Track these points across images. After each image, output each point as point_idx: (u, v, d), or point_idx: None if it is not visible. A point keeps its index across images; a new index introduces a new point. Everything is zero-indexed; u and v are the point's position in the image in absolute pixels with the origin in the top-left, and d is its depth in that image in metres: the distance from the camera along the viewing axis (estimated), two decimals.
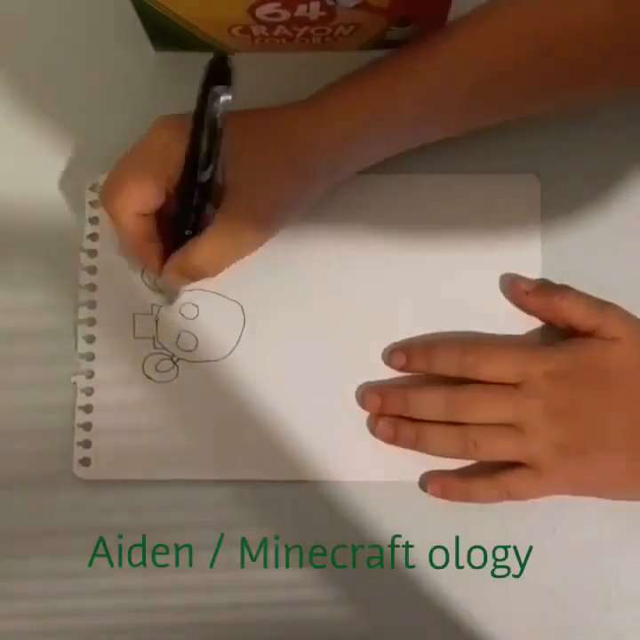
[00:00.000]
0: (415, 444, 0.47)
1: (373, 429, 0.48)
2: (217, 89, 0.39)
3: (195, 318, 0.49)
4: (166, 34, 0.48)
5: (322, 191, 0.47)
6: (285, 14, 0.45)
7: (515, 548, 0.48)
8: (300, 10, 0.44)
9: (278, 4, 0.44)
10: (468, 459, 0.47)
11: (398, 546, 0.48)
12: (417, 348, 0.48)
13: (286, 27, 0.46)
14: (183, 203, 0.43)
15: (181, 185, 0.43)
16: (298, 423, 0.49)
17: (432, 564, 0.48)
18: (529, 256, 0.49)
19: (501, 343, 0.48)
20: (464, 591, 0.48)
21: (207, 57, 0.39)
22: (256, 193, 0.44)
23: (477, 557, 0.48)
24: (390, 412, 0.48)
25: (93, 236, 0.50)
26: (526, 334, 0.49)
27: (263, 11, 0.44)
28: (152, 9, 0.44)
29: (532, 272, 0.49)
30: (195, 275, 0.45)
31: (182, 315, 0.49)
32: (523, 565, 0.48)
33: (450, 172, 0.50)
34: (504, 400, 0.46)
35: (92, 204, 0.50)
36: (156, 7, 0.44)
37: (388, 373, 0.49)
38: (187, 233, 0.44)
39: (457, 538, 0.48)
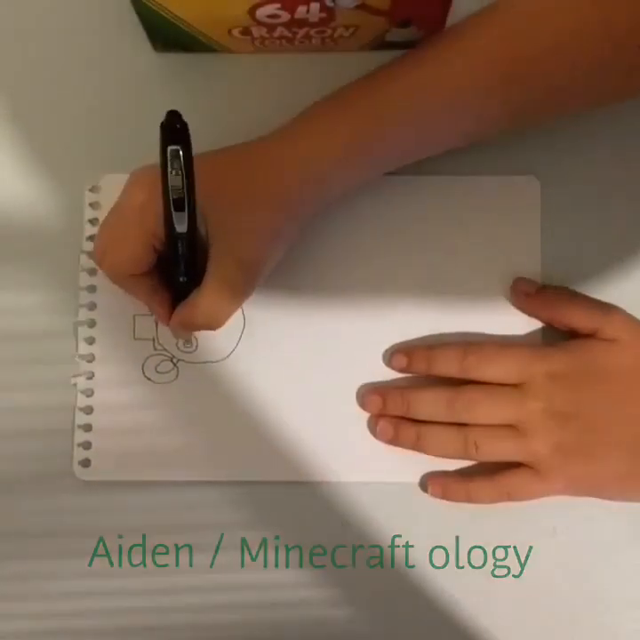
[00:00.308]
0: (416, 445, 0.47)
1: (374, 430, 0.48)
2: (172, 148, 0.38)
3: None
4: (167, 35, 0.48)
5: (310, 219, 0.46)
6: (285, 16, 0.45)
7: (515, 548, 0.48)
8: (300, 11, 0.44)
9: (278, 6, 0.44)
10: (468, 459, 0.47)
11: (398, 546, 0.48)
12: (418, 349, 0.48)
13: (286, 28, 0.46)
14: (171, 254, 0.43)
15: (165, 238, 0.43)
16: (297, 424, 0.49)
17: (432, 564, 0.48)
18: (529, 257, 0.49)
19: (502, 344, 0.48)
20: (464, 591, 0.48)
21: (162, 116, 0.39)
22: (241, 240, 0.44)
23: (477, 557, 0.48)
24: (391, 412, 0.48)
25: (93, 238, 0.50)
26: (527, 335, 0.49)
27: (263, 12, 0.44)
28: (152, 10, 0.44)
29: (532, 273, 0.49)
30: (200, 329, 0.46)
31: None
32: (523, 565, 0.48)
33: (449, 174, 0.50)
34: (505, 401, 0.46)
35: (92, 205, 0.50)
36: (157, 9, 0.44)
37: (388, 375, 0.49)
38: (181, 279, 0.45)
39: (457, 538, 0.48)
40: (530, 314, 0.49)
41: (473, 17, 0.45)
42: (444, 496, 0.47)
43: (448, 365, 0.47)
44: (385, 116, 0.44)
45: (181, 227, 0.41)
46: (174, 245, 0.42)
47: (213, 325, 0.45)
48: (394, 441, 0.48)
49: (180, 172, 0.38)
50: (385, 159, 0.46)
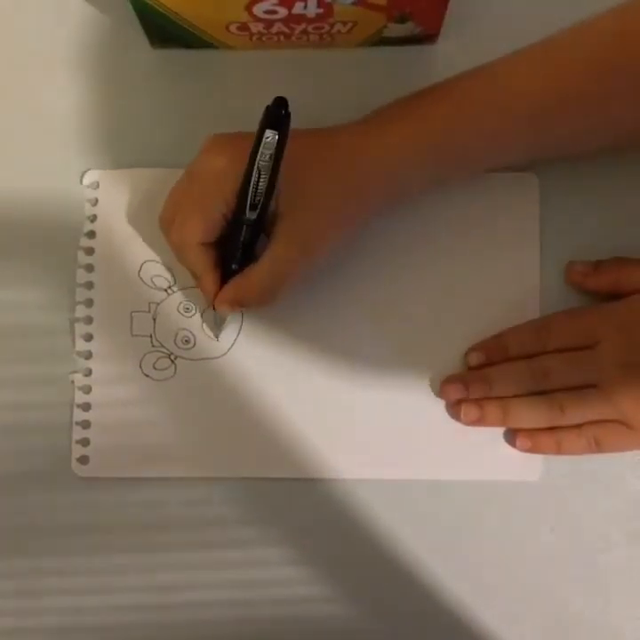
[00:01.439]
0: (503, 420, 0.47)
1: (456, 415, 0.48)
2: (269, 134, 0.39)
3: (192, 316, 0.49)
4: (164, 31, 0.48)
5: (376, 214, 0.46)
6: (283, 11, 0.45)
7: (514, 547, 0.48)
8: (298, 7, 0.44)
9: (276, 1, 0.43)
10: (557, 425, 0.47)
11: (398, 543, 0.48)
12: (491, 341, 0.49)
13: (284, 24, 0.46)
14: (232, 237, 0.44)
15: (234, 216, 0.43)
16: (296, 420, 0.49)
17: (432, 563, 0.48)
18: (528, 254, 0.49)
19: (567, 311, 0.48)
20: (464, 589, 0.48)
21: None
22: (308, 221, 0.44)
23: (477, 557, 0.48)
24: (474, 395, 0.48)
25: (91, 234, 0.50)
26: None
27: (261, 8, 0.44)
28: (149, 6, 0.44)
29: (531, 270, 0.49)
30: (250, 306, 0.46)
31: (180, 313, 0.49)
32: (522, 565, 0.48)
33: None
34: (582, 362, 0.46)
35: (90, 201, 0.50)
36: (154, 5, 0.44)
37: (386, 369, 0.49)
38: (234, 267, 0.45)
39: (457, 538, 0.48)
40: (593, 290, 0.49)
41: (560, 32, 0.44)
42: (534, 448, 0.47)
43: (523, 346, 0.48)
44: (456, 126, 0.44)
45: (253, 214, 0.42)
46: (239, 231, 0.43)
47: (265, 301, 0.45)
48: (480, 421, 0.48)
49: (270, 159, 0.39)
50: (453, 165, 0.46)
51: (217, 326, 0.49)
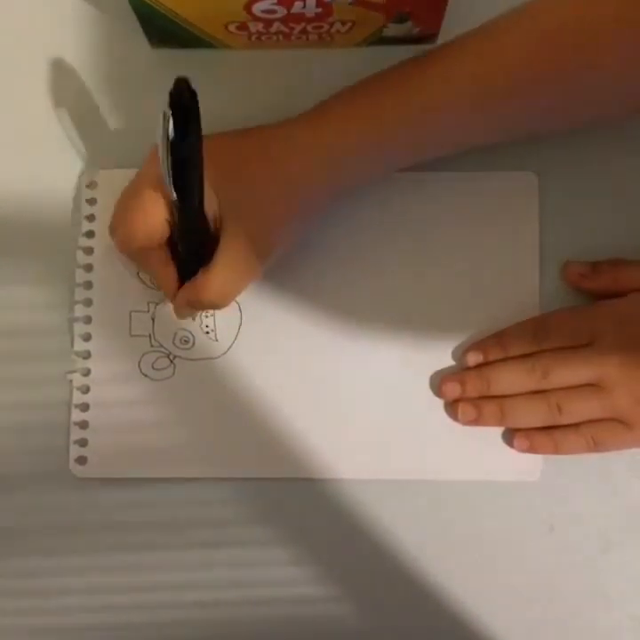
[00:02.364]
0: (501, 420, 0.47)
1: (453, 415, 0.48)
2: (178, 114, 0.36)
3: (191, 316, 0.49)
4: (163, 31, 0.48)
5: (324, 206, 0.46)
6: (282, 11, 0.45)
7: (513, 548, 0.48)
8: (297, 6, 0.44)
9: (274, 1, 0.43)
10: (555, 424, 0.47)
11: (399, 543, 0.48)
12: (489, 341, 0.48)
13: (283, 23, 0.46)
14: (178, 229, 0.43)
15: (172, 211, 0.42)
16: (296, 420, 0.48)
17: (431, 563, 0.48)
18: (527, 253, 0.49)
19: (567, 309, 0.48)
20: (464, 588, 0.48)
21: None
22: (255, 220, 0.44)
23: (477, 557, 0.48)
24: (471, 394, 0.48)
25: (90, 234, 0.50)
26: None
27: (260, 7, 0.44)
28: (148, 6, 0.44)
29: (531, 269, 0.49)
30: (205, 308, 0.46)
31: None
32: (522, 564, 0.48)
33: (447, 170, 0.50)
34: (580, 361, 0.46)
35: (89, 201, 0.50)
36: (153, 4, 0.44)
37: (385, 368, 0.49)
38: (185, 255, 0.44)
39: (457, 538, 0.48)
40: (591, 291, 0.49)
41: (503, 17, 0.43)
42: (531, 448, 0.47)
43: (522, 345, 0.47)
44: (402, 110, 0.44)
45: (185, 199, 0.40)
46: (181, 219, 0.42)
47: (219, 304, 0.45)
48: (477, 420, 0.48)
49: (186, 144, 0.37)
50: (401, 153, 0.46)
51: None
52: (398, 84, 0.44)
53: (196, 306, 0.46)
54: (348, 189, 0.47)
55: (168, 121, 0.36)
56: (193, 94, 0.36)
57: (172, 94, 0.36)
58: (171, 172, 0.38)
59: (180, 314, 0.48)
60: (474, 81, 0.43)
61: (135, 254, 0.46)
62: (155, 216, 0.43)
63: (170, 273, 0.45)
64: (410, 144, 0.45)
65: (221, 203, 0.43)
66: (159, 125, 0.36)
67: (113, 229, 0.46)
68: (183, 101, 0.36)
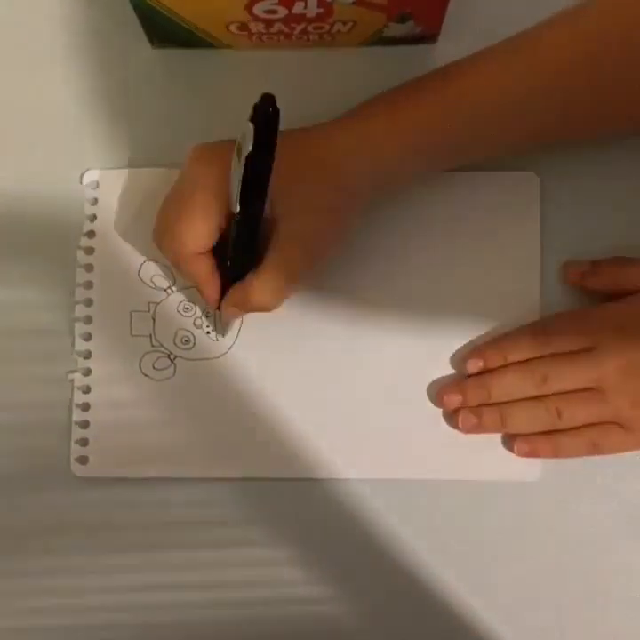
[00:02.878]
0: (501, 426, 0.47)
1: (454, 424, 0.48)
2: (261, 132, 0.37)
3: (192, 316, 0.49)
4: (163, 30, 0.48)
5: (371, 206, 0.46)
6: (283, 11, 0.45)
7: (513, 548, 0.48)
8: (298, 7, 0.44)
9: (275, 1, 0.43)
10: (554, 428, 0.47)
11: (400, 543, 0.48)
12: (488, 347, 0.48)
13: (284, 24, 0.46)
14: (234, 236, 0.43)
15: (234, 220, 0.42)
16: (296, 420, 0.48)
17: (432, 563, 0.48)
18: (529, 253, 0.49)
19: (566, 313, 0.48)
20: (464, 590, 0.48)
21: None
22: (304, 223, 0.44)
23: (477, 557, 0.48)
24: (472, 402, 0.48)
25: (90, 234, 0.50)
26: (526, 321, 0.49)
27: (261, 8, 0.44)
28: (149, 6, 0.44)
29: (532, 269, 0.49)
30: (254, 310, 0.46)
31: (179, 312, 0.49)
32: (522, 565, 0.48)
33: (449, 170, 0.49)
34: (579, 365, 0.46)
35: (90, 201, 0.50)
36: (154, 4, 0.44)
37: (386, 367, 0.49)
38: (240, 262, 0.44)
39: (457, 537, 0.48)
40: (590, 289, 0.49)
41: (548, 19, 0.44)
42: (531, 453, 0.47)
43: (522, 351, 0.47)
44: (449, 110, 0.44)
45: (250, 211, 0.41)
46: (243, 227, 0.42)
47: (268, 306, 0.45)
48: (478, 428, 0.48)
49: (263, 157, 0.38)
50: (446, 153, 0.46)
51: (222, 326, 0.49)
52: (441, 85, 0.44)
53: (245, 309, 0.46)
54: (391, 190, 0.47)
55: (249, 134, 0.36)
56: (276, 112, 0.37)
57: (256, 108, 0.36)
58: (241, 185, 0.38)
59: (227, 317, 0.48)
60: (518, 81, 0.43)
61: (181, 261, 0.45)
62: (206, 224, 0.43)
63: (215, 280, 0.46)
64: (453, 145, 0.45)
65: (273, 204, 0.43)
66: (239, 138, 0.37)
67: (158, 234, 0.46)
68: (267, 117, 0.36)
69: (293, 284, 0.45)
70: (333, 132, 0.45)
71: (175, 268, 0.47)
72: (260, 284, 0.44)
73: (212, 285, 0.46)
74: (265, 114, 0.36)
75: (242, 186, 0.39)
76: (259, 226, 0.43)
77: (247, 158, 0.37)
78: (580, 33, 0.43)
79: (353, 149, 0.44)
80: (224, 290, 0.46)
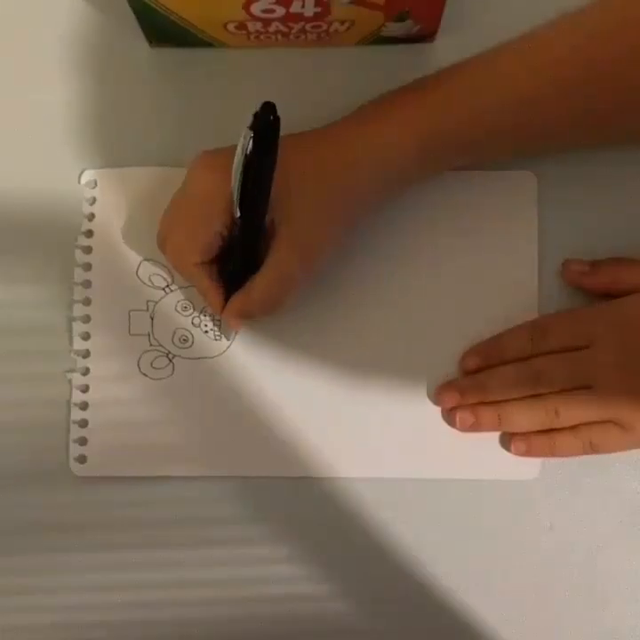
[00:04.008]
0: (499, 425, 0.47)
1: (451, 422, 0.48)
2: (263, 140, 0.37)
3: (190, 315, 0.49)
4: (161, 30, 0.48)
5: (377, 209, 0.46)
6: (280, 10, 0.45)
7: (512, 546, 0.48)
8: (296, 6, 0.44)
9: (273, 0, 0.43)
10: (552, 427, 0.47)
11: (399, 541, 0.48)
12: (486, 345, 0.48)
13: (282, 23, 0.46)
14: (237, 242, 0.43)
15: (236, 227, 0.43)
16: (295, 419, 0.49)
17: (431, 562, 0.48)
18: (526, 253, 0.49)
19: (562, 312, 0.48)
20: (462, 588, 0.48)
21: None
22: (305, 227, 0.44)
23: (476, 555, 0.48)
24: (468, 401, 0.48)
25: (88, 233, 0.50)
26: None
27: (258, 7, 0.44)
28: (148, 5, 0.44)
29: (530, 268, 0.49)
30: (256, 316, 0.46)
31: (178, 311, 0.49)
32: (521, 563, 0.48)
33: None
34: (575, 363, 0.46)
35: (89, 200, 0.50)
36: (152, 3, 0.44)
37: (384, 366, 0.49)
38: (243, 268, 0.44)
39: (456, 536, 0.48)
40: (588, 289, 0.49)
41: (562, 16, 0.44)
42: (529, 452, 0.47)
43: (519, 350, 0.47)
44: (460, 107, 0.44)
45: (252, 217, 0.41)
46: (246, 234, 0.42)
47: (271, 310, 0.45)
48: (475, 427, 0.48)
49: (263, 165, 0.38)
50: (456, 152, 0.46)
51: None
52: (444, 85, 0.44)
53: (245, 315, 0.46)
54: (399, 193, 0.47)
55: (248, 141, 0.36)
56: (276, 120, 0.37)
57: (256, 117, 0.37)
58: (241, 190, 0.38)
59: (231, 324, 0.48)
60: (524, 81, 0.43)
61: (182, 270, 0.45)
62: (207, 235, 0.43)
63: (217, 288, 0.45)
64: (460, 145, 0.45)
65: (274, 208, 0.42)
66: (240, 145, 0.37)
67: (163, 241, 0.46)
68: (266, 126, 0.36)
69: (293, 290, 0.45)
70: (338, 134, 0.45)
71: (178, 274, 0.47)
72: (258, 291, 0.44)
73: (214, 293, 0.46)
74: (265, 122, 0.37)
75: (242, 193, 0.39)
76: (260, 232, 0.43)
77: (247, 166, 0.38)
78: (582, 34, 0.43)
79: (358, 151, 0.44)
80: (229, 295, 0.46)
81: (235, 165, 0.38)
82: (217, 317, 0.49)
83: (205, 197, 0.43)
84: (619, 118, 0.45)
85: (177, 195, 0.45)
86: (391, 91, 0.45)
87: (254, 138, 0.36)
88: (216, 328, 0.49)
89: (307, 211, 0.44)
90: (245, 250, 0.44)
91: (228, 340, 0.49)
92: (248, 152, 0.37)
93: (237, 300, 0.45)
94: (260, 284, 0.44)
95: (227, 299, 0.46)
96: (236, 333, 0.49)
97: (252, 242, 0.43)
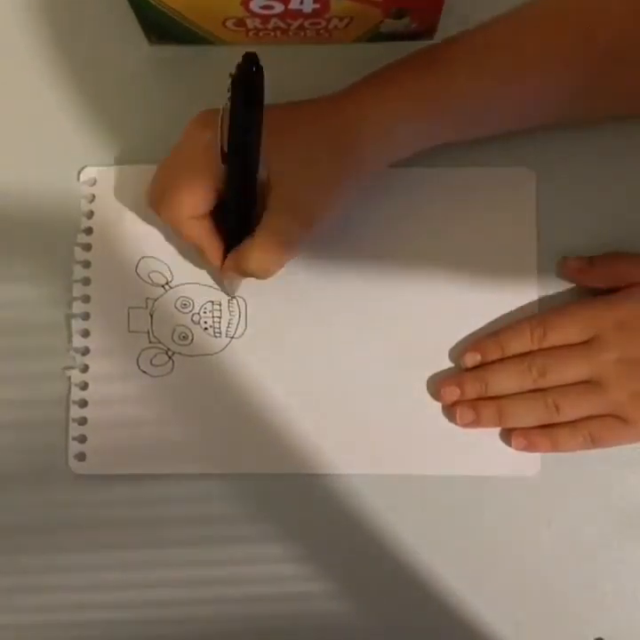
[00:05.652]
0: (499, 421, 0.48)
1: (451, 418, 0.48)
2: (245, 90, 0.37)
3: (190, 312, 0.49)
4: (161, 27, 0.48)
5: (368, 181, 0.46)
6: (279, 7, 0.45)
7: (512, 543, 0.48)
8: (294, 2, 0.44)
9: None
10: (552, 422, 0.47)
11: (397, 540, 0.48)
12: (486, 341, 0.48)
13: (280, 19, 0.46)
14: (229, 198, 0.43)
15: (227, 180, 0.42)
16: (295, 416, 0.49)
17: (431, 558, 0.48)
18: (525, 249, 0.49)
19: (565, 307, 0.48)
20: (461, 584, 0.48)
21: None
22: (301, 192, 0.44)
23: (476, 552, 0.48)
24: (469, 396, 0.48)
25: (88, 231, 0.50)
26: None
27: (257, 3, 0.44)
28: (147, 3, 0.44)
29: (529, 264, 0.49)
30: (252, 275, 0.45)
31: (177, 308, 0.49)
32: (521, 560, 0.48)
33: (444, 166, 0.50)
34: (577, 358, 0.46)
35: (87, 198, 0.50)
36: (151, 1, 0.44)
37: (386, 367, 0.49)
38: (235, 225, 0.44)
39: (456, 532, 0.48)
40: (588, 285, 0.49)
41: None
42: (529, 447, 0.47)
43: (520, 345, 0.48)
44: (457, 75, 0.44)
45: (242, 169, 0.41)
46: (236, 188, 0.42)
47: (263, 274, 0.45)
48: (475, 423, 0.48)
49: (249, 115, 0.38)
50: (452, 121, 0.46)
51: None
52: (448, 55, 0.44)
53: (242, 274, 0.45)
54: (397, 157, 0.46)
55: (232, 92, 0.37)
56: (259, 69, 0.37)
57: (239, 67, 0.37)
58: (230, 141, 0.38)
59: (228, 282, 0.48)
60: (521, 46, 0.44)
61: (179, 224, 0.45)
62: (203, 186, 0.43)
63: (215, 242, 0.45)
64: (457, 115, 0.45)
65: (270, 173, 0.43)
66: (225, 96, 0.37)
67: (155, 199, 0.46)
68: (249, 75, 0.37)
69: (287, 253, 0.45)
70: (343, 101, 0.45)
71: (174, 231, 0.46)
72: (253, 251, 0.44)
73: (212, 248, 0.45)
74: (246, 72, 0.37)
75: (228, 145, 0.39)
76: (253, 187, 0.42)
77: (231, 116, 0.38)
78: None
79: (361, 113, 0.44)
80: (227, 253, 0.46)
81: (222, 118, 0.38)
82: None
83: (200, 152, 0.43)
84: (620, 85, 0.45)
85: (171, 153, 0.45)
86: (395, 60, 0.45)
87: (236, 88, 0.37)
88: (211, 316, 0.49)
89: (303, 176, 0.43)
90: (237, 205, 0.44)
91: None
92: (231, 103, 0.37)
93: (233, 259, 0.45)
94: (255, 245, 0.44)
95: (225, 256, 0.46)
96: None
97: (245, 198, 0.43)
